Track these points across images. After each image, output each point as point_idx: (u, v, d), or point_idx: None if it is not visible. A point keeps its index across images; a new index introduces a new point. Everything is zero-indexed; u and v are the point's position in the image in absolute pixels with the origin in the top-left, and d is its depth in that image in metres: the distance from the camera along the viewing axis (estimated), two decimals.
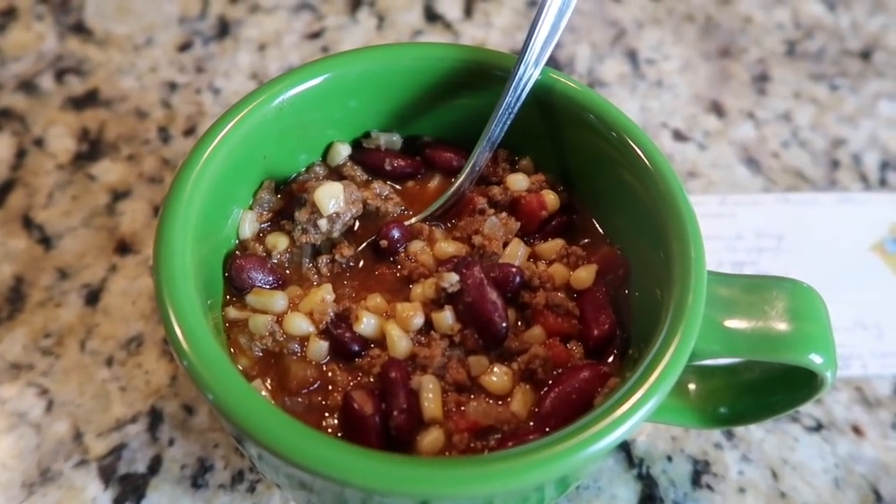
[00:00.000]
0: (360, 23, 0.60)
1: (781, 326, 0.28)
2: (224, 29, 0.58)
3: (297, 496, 0.31)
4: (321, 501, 0.29)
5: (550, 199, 0.34)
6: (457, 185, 0.34)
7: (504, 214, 0.33)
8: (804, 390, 0.30)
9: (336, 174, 0.35)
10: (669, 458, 0.39)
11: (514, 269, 0.31)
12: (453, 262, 0.31)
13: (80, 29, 0.57)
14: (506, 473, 0.23)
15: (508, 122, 0.33)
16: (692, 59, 0.60)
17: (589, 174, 0.34)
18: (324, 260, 0.32)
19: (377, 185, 0.35)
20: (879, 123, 0.56)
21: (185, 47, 0.57)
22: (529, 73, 0.33)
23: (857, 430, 0.41)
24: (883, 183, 0.53)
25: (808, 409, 0.41)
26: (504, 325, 0.29)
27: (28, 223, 0.46)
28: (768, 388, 0.32)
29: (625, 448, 0.39)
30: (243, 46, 0.57)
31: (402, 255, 0.33)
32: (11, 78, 0.53)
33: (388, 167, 0.35)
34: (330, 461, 0.23)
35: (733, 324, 0.28)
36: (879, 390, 0.42)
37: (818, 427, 0.41)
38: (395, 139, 0.36)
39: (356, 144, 0.36)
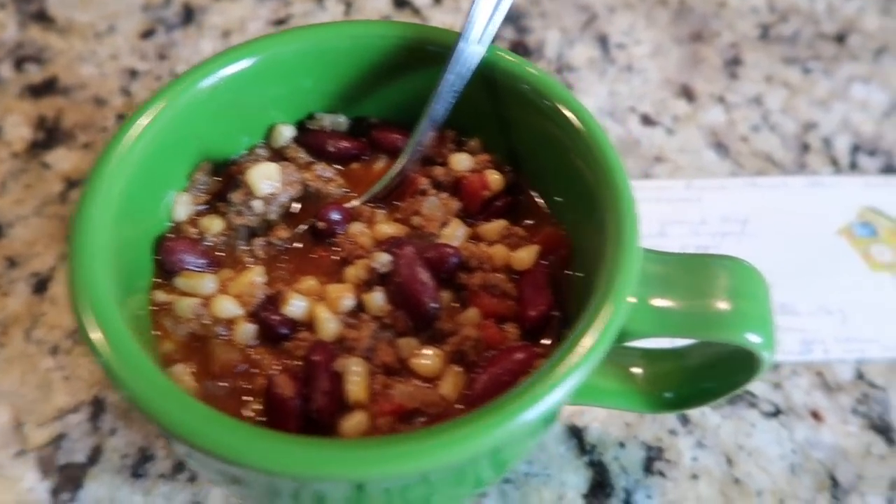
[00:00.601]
0: (328, 9, 0.59)
1: (717, 304, 0.27)
2: (188, 16, 0.58)
3: (233, 491, 0.30)
4: (253, 494, 0.29)
5: (493, 178, 0.33)
6: (399, 165, 0.33)
7: (445, 195, 0.33)
8: (743, 373, 0.29)
9: (278, 156, 0.35)
10: (622, 445, 0.39)
11: (449, 250, 0.30)
12: (389, 243, 0.30)
13: (42, 17, 0.57)
14: (431, 448, 0.23)
15: (452, 101, 0.33)
16: (664, 43, 0.59)
17: (535, 153, 0.33)
18: (259, 242, 0.32)
19: (319, 167, 0.34)
20: (852, 107, 0.55)
21: (147, 34, 0.56)
22: (472, 51, 0.32)
23: (815, 416, 0.40)
24: (853, 167, 0.52)
25: (766, 394, 0.41)
26: (433, 305, 0.29)
27: None
28: (712, 371, 0.31)
29: (576, 435, 0.39)
30: (207, 34, 0.57)
31: (342, 237, 0.32)
32: None
33: (331, 148, 0.35)
34: (252, 450, 0.23)
35: (667, 303, 0.27)
36: (841, 375, 0.42)
37: (776, 412, 0.40)
38: (341, 120, 0.36)
39: (301, 126, 0.36)
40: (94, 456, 0.37)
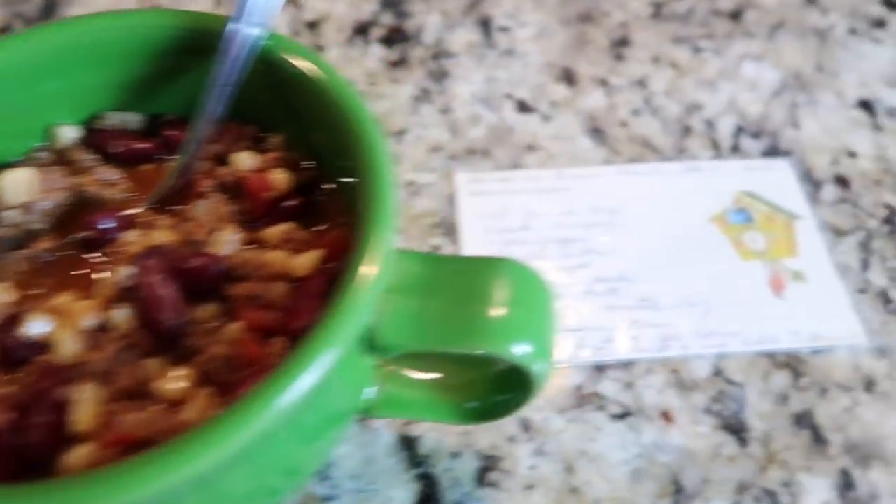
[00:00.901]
0: (197, 0, 0.57)
1: (485, 312, 0.25)
2: (49, 9, 0.55)
3: None
4: None
5: (278, 178, 0.30)
6: (177, 166, 0.31)
7: (219, 197, 0.30)
8: (521, 389, 0.27)
9: (61, 159, 0.32)
10: (456, 455, 0.37)
11: (206, 259, 0.28)
12: (143, 254, 0.28)
13: None
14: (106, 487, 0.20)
15: (229, 93, 0.30)
16: (550, 25, 0.56)
17: (330, 148, 0.31)
18: (19, 255, 0.29)
19: (102, 170, 0.32)
20: (741, 87, 0.53)
21: (3, 30, 0.53)
22: (246, 36, 0.30)
23: (666, 416, 0.38)
24: (735, 149, 0.49)
25: (616, 395, 0.39)
26: (173, 321, 0.26)
27: None
28: (503, 384, 0.29)
29: (408, 446, 0.37)
30: None
31: (112, 247, 0.30)
32: None
33: (114, 149, 0.32)
34: None
35: (427, 310, 0.25)
36: (697, 372, 0.40)
37: (624, 414, 0.38)
38: (132, 118, 0.33)
39: (90, 126, 0.33)
40: None
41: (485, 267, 0.26)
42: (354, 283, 0.24)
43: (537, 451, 0.37)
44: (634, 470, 0.36)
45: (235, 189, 0.31)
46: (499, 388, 0.30)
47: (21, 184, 0.29)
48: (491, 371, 0.31)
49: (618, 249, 0.44)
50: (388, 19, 0.56)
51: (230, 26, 0.29)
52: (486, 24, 0.56)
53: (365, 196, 0.26)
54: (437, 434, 0.37)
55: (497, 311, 0.25)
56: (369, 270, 0.24)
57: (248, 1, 0.29)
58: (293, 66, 0.30)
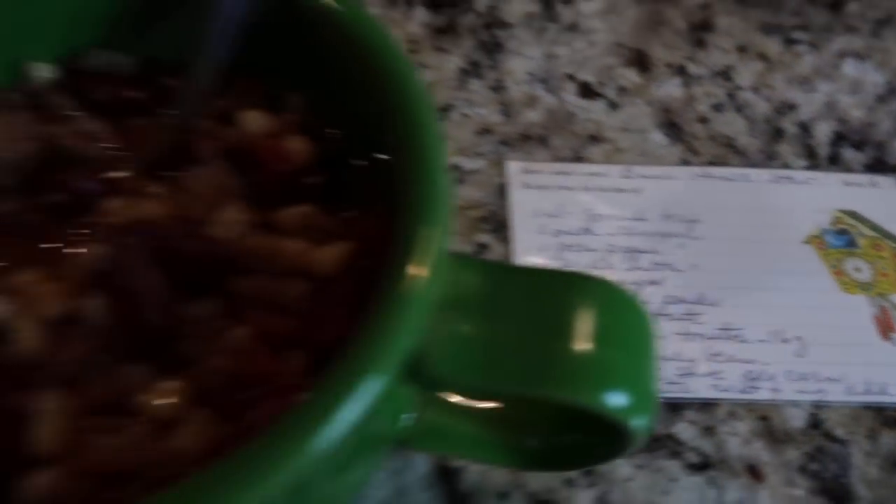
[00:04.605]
0: None
1: (564, 346, 0.18)
2: None
3: None
4: None
5: (296, 147, 0.24)
6: (173, 121, 0.24)
7: (224, 166, 0.24)
8: (612, 443, 0.20)
9: (32, 104, 0.26)
10: (503, 496, 0.30)
11: (205, 242, 0.21)
12: (125, 230, 0.21)
13: None
14: None
15: (234, 33, 0.24)
16: (619, 0, 0.49)
17: (363, 114, 0.24)
18: None
19: (83, 121, 0.25)
20: (840, 87, 0.46)
21: None
22: None
23: (754, 472, 0.31)
24: (833, 160, 0.42)
25: (694, 441, 0.32)
26: (157, 321, 0.20)
27: None
28: (587, 424, 0.22)
29: (447, 479, 0.30)
30: None
31: (91, 216, 0.23)
32: None
33: (100, 96, 0.26)
34: None
35: (493, 340, 0.18)
36: (791, 422, 0.33)
37: (704, 465, 0.31)
38: (123, 60, 0.27)
39: (70, 66, 0.27)
40: None
41: (568, 286, 0.19)
42: (402, 291, 0.17)
43: (599, 500, 0.30)
44: None
45: (243, 157, 0.24)
46: (572, 428, 0.24)
47: None
48: (550, 410, 0.24)
49: (696, 266, 0.37)
50: None
51: None
52: None
53: (410, 181, 0.20)
54: (480, 468, 0.30)
55: (585, 347, 0.18)
56: (419, 276, 0.18)
57: None
58: (320, 3, 0.23)
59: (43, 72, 0.26)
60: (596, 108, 0.43)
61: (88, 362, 0.20)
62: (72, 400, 0.20)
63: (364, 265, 0.23)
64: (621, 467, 0.31)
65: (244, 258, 0.22)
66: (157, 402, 0.20)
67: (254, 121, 0.24)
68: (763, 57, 0.47)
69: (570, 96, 0.44)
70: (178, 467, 0.19)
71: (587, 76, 0.45)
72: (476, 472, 0.31)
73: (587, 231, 0.38)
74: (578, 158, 0.41)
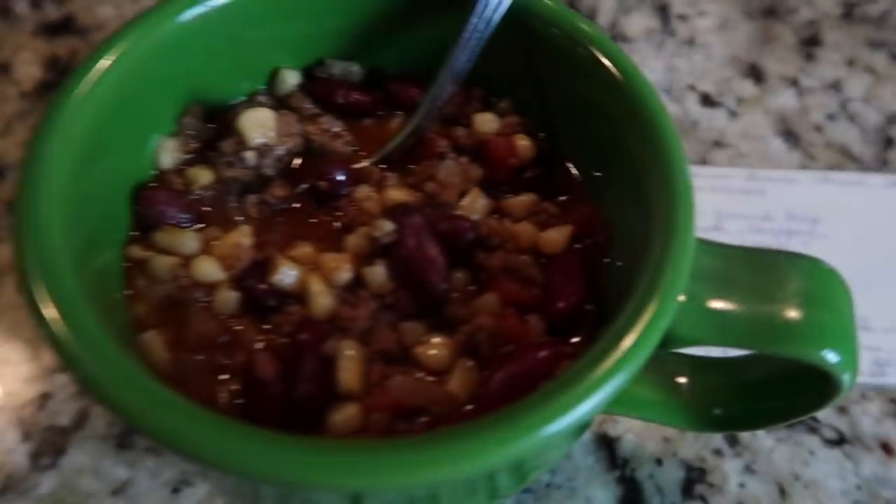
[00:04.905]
0: None
1: (789, 312, 0.22)
2: None
3: (216, 487, 0.27)
4: (236, 493, 0.25)
5: (522, 144, 0.28)
6: (413, 122, 0.29)
7: (465, 159, 0.28)
8: (815, 396, 0.24)
9: (281, 105, 0.31)
10: (659, 462, 0.34)
11: (466, 224, 0.25)
12: (396, 210, 0.26)
13: None
14: (429, 461, 0.18)
15: (477, 51, 0.28)
16: (732, 16, 0.53)
17: (573, 118, 0.28)
18: (252, 199, 0.28)
19: (326, 120, 0.30)
20: None
21: None
22: None
23: (886, 448, 0.34)
24: None
25: (829, 419, 0.35)
26: (443, 286, 0.24)
27: None
28: (772, 390, 0.26)
29: (607, 446, 0.34)
30: None
31: (346, 200, 0.28)
32: None
33: (340, 100, 0.30)
34: (223, 449, 0.18)
35: (726, 305, 0.22)
36: None
37: (840, 441, 0.35)
38: (355, 69, 0.31)
39: (309, 73, 0.31)
40: (79, 421, 0.34)
41: (784, 263, 0.23)
42: (667, 271, 0.21)
43: (746, 469, 0.34)
44: (855, 502, 0.33)
45: (473, 153, 0.29)
46: (748, 396, 0.27)
47: (263, 125, 0.27)
48: (740, 376, 0.28)
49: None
50: None
51: None
52: (663, 11, 0.53)
53: (660, 178, 0.23)
54: (635, 437, 0.34)
55: (804, 313, 0.22)
56: (682, 258, 0.21)
57: None
58: (555, 27, 0.27)
59: (291, 78, 0.31)
60: (717, 116, 0.47)
61: (375, 318, 0.24)
62: (364, 349, 0.24)
63: (582, 245, 0.27)
64: (764, 440, 0.35)
65: (488, 237, 0.26)
66: (431, 352, 0.24)
67: (486, 122, 0.29)
68: (871, 70, 0.50)
69: (693, 105, 0.47)
70: (452, 405, 0.24)
71: (707, 87, 0.48)
72: (630, 441, 0.34)
73: (717, 228, 0.42)
74: (704, 161, 0.45)
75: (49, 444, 0.33)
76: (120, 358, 0.20)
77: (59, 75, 0.46)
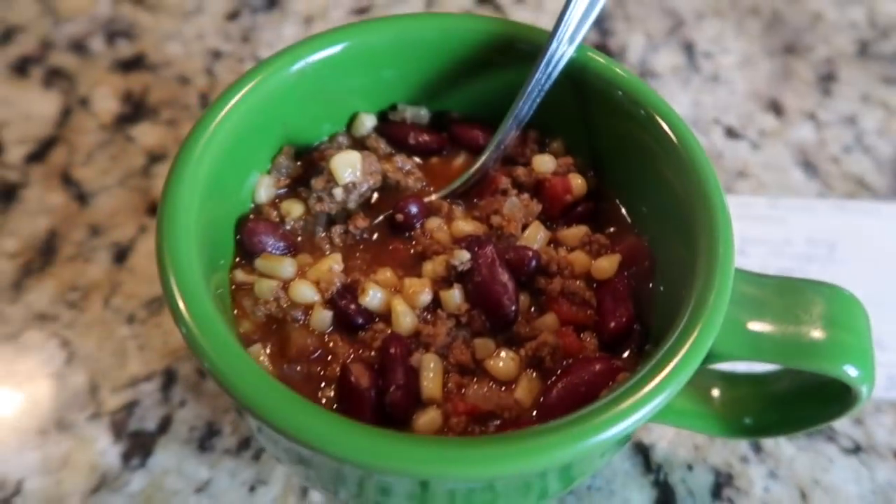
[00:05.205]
0: (409, 2, 0.59)
1: (814, 333, 0.26)
2: (273, 0, 0.58)
3: (297, 471, 0.30)
4: (319, 477, 0.29)
5: (577, 183, 0.32)
6: (480, 162, 0.32)
7: (526, 196, 0.32)
8: (836, 406, 0.27)
9: (359, 145, 0.35)
10: (690, 467, 0.37)
11: (529, 253, 0.29)
12: (468, 240, 0.30)
13: None
14: (505, 456, 0.22)
15: (538, 101, 0.32)
16: (753, 54, 0.56)
17: (620, 160, 0.32)
18: (337, 230, 0.32)
19: (399, 159, 0.34)
20: None
21: (233, 16, 0.57)
22: (563, 50, 0.31)
23: None
24: None
25: (846, 429, 0.39)
26: (513, 308, 0.28)
27: (67, 179, 0.47)
28: (797, 400, 0.30)
29: (642, 452, 0.37)
30: (290, 19, 0.57)
31: (418, 231, 0.32)
32: (64, 38, 0.54)
33: (412, 141, 0.34)
34: (325, 434, 0.22)
35: (760, 326, 0.26)
36: None
37: (856, 449, 0.38)
38: (423, 113, 0.35)
39: (382, 116, 0.35)
40: (164, 425, 0.37)
41: (809, 290, 0.27)
42: (710, 306, 0.25)
43: (770, 474, 0.37)
44: None
45: (532, 189, 0.33)
46: (774, 406, 0.31)
47: (352, 165, 0.31)
48: (767, 389, 0.31)
49: (839, 284, 0.44)
50: (592, 36, 0.57)
51: (552, 41, 0.31)
52: (689, 49, 0.57)
53: (702, 220, 0.27)
54: (668, 444, 0.38)
55: (827, 333, 0.26)
56: (724, 285, 0.25)
57: (569, 19, 0.31)
58: (608, 82, 0.31)
59: (368, 121, 0.35)
60: (741, 148, 0.51)
61: (451, 335, 0.28)
62: (444, 362, 0.28)
63: (629, 272, 0.30)
64: (786, 448, 0.38)
65: (548, 265, 0.30)
66: (501, 365, 0.28)
67: (544, 163, 0.33)
68: (885, 105, 0.53)
69: (718, 138, 0.51)
70: (519, 412, 0.27)
71: (731, 120, 0.52)
72: (663, 448, 0.38)
73: (741, 253, 0.45)
74: (729, 191, 0.48)
75: (138, 446, 0.37)
76: (241, 352, 0.24)
77: (134, 108, 0.51)
